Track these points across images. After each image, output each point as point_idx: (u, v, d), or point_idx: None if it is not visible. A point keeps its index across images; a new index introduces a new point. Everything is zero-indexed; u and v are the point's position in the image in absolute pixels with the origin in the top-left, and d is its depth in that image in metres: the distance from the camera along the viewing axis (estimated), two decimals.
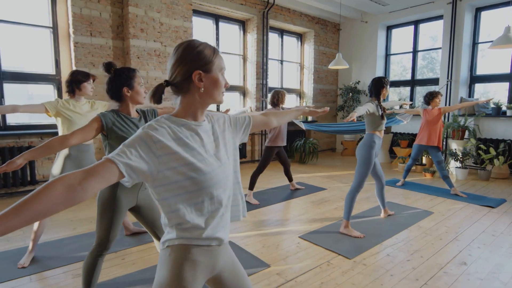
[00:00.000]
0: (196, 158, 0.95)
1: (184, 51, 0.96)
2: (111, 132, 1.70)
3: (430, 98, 4.34)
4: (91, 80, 2.49)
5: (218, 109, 6.15)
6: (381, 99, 3.05)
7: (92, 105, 2.56)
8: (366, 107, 2.91)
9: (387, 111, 4.94)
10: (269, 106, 4.26)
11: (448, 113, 6.05)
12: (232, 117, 1.20)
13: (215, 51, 1.00)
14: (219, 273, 1.10)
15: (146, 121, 1.83)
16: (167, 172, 0.91)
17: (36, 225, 2.41)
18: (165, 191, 0.94)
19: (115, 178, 0.83)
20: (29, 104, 2.39)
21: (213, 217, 1.00)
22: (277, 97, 3.99)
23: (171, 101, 1.06)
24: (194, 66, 0.96)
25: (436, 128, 4.31)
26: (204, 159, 0.96)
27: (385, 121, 3.04)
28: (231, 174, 1.08)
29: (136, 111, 1.84)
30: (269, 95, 4.22)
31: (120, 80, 1.70)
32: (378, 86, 3.01)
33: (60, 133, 2.45)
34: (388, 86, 3.06)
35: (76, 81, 2.42)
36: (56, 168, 2.43)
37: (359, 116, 7.35)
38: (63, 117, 2.40)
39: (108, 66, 1.69)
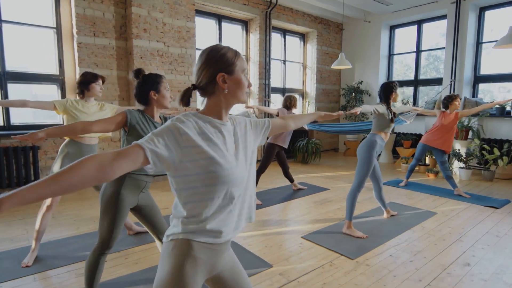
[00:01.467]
0: (217, 154, 0.98)
1: (208, 56, 1.02)
2: (133, 129, 1.74)
3: (449, 101, 4.22)
4: (100, 81, 2.55)
5: None
6: (391, 103, 3.08)
7: (101, 107, 2.61)
8: (374, 107, 2.92)
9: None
10: (272, 105, 4.24)
11: None
12: (253, 120, 1.23)
13: (236, 53, 1.05)
14: (219, 273, 1.11)
15: None
16: (188, 164, 0.95)
17: (38, 224, 2.42)
18: (184, 182, 0.97)
19: (141, 163, 0.88)
20: (39, 100, 2.45)
21: (221, 212, 1.02)
22: (290, 101, 4.15)
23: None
24: (218, 69, 1.01)
25: (448, 132, 4.22)
26: (224, 155, 0.99)
27: (393, 124, 3.06)
28: (246, 176, 1.09)
29: (159, 117, 1.90)
30: (282, 99, 4.29)
31: (148, 84, 1.78)
32: (387, 91, 3.04)
33: None
34: (397, 90, 3.08)
35: (85, 82, 2.49)
36: (56, 167, 2.46)
37: (362, 115, 7.34)
38: (70, 116, 2.46)
39: (138, 72, 1.79)
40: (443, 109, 4.34)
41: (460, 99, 4.24)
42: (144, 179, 1.81)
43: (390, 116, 3.01)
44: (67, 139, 2.51)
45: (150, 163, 0.89)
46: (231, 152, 1.04)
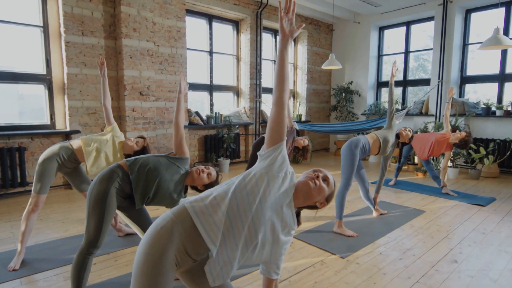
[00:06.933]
0: (272, 199, 1.18)
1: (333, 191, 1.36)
2: (177, 161, 1.94)
3: (465, 144, 4.02)
4: (142, 144, 2.66)
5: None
6: (400, 141, 3.42)
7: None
8: (394, 129, 3.35)
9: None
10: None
11: (440, 112, 6.12)
12: (280, 246, 1.34)
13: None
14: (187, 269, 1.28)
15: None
16: (266, 171, 1.19)
17: (23, 225, 2.37)
18: (254, 184, 1.18)
19: (279, 137, 1.21)
20: (110, 110, 2.71)
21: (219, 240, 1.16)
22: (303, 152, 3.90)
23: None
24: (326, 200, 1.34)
25: (434, 149, 4.22)
26: (267, 204, 1.17)
27: (389, 150, 3.30)
28: (258, 247, 1.23)
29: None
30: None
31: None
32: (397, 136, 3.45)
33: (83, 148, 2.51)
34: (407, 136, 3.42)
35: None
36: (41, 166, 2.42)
37: (353, 116, 7.38)
38: (110, 139, 2.60)
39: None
40: (455, 133, 4.12)
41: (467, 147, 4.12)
42: (128, 190, 1.83)
43: (391, 146, 3.31)
44: (62, 144, 2.46)
45: (279, 143, 1.21)
46: (271, 219, 1.21)
